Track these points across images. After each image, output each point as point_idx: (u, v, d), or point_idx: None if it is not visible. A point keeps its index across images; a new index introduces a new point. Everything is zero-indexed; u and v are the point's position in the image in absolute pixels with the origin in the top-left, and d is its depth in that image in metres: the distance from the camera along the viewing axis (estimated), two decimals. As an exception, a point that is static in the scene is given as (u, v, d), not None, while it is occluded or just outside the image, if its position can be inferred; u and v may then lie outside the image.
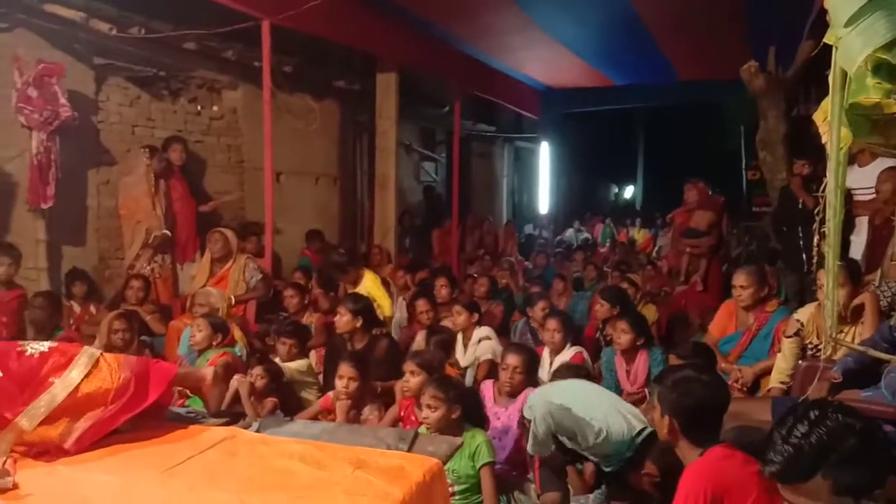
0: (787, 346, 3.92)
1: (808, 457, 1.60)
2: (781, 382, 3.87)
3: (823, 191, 2.46)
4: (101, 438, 2.26)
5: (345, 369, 3.87)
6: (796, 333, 3.88)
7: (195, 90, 7.23)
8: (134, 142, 6.50)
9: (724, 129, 14.58)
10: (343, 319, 4.64)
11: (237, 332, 4.91)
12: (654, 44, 9.21)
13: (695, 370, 2.37)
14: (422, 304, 5.61)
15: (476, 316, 5.17)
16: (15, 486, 2.00)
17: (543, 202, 16.31)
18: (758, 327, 4.43)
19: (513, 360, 3.82)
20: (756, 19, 7.75)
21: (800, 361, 3.74)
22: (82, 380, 2.25)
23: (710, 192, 7.85)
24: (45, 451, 2.17)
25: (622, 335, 4.50)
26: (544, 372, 4.64)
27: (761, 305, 4.46)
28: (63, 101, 5.49)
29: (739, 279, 4.49)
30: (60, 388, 2.22)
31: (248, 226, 7.29)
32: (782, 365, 3.91)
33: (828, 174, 2.38)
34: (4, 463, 2.11)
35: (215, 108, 7.45)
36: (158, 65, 6.63)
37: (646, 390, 4.40)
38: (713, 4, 7.38)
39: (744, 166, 12.82)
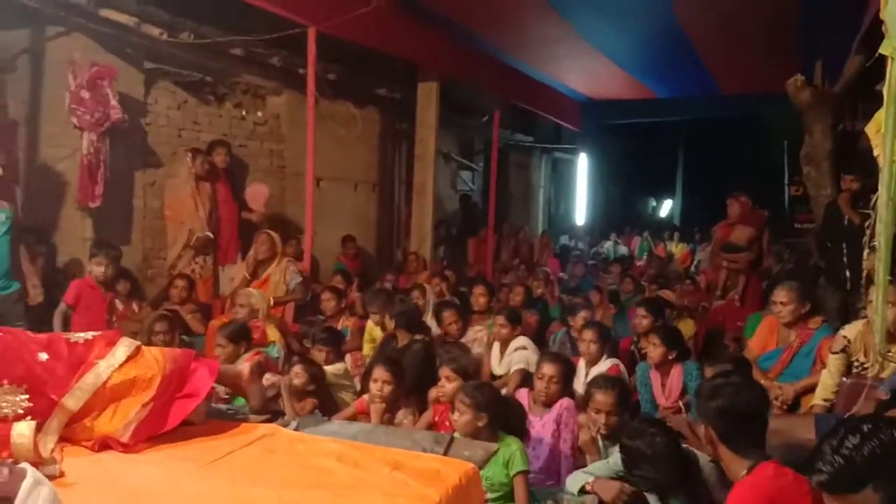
0: (833, 362, 3.83)
1: (859, 469, 1.58)
2: (825, 399, 3.79)
3: (874, 205, 2.42)
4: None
5: (379, 373, 3.89)
6: (843, 350, 3.79)
7: (240, 95, 7.37)
8: (180, 145, 6.64)
9: (767, 144, 14.35)
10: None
11: (275, 333, 4.98)
12: (697, 56, 9.14)
13: (726, 377, 2.35)
14: (449, 316, 5.57)
15: (518, 328, 5.16)
16: (61, 474, 2.05)
17: (580, 213, 16.22)
18: (800, 344, 4.35)
19: (549, 369, 3.79)
20: (805, 33, 7.63)
21: (844, 379, 3.65)
22: (126, 360, 2.30)
23: (753, 207, 7.73)
24: (106, 446, 2.24)
25: (654, 349, 4.45)
26: (580, 383, 4.62)
27: (804, 322, 4.38)
28: (114, 103, 5.64)
29: (780, 295, 4.42)
30: (105, 366, 2.27)
31: (287, 229, 7.39)
32: (827, 382, 3.83)
33: (880, 187, 2.34)
34: (53, 451, 2.17)
35: (259, 113, 7.58)
36: (206, 70, 6.77)
37: (680, 404, 4.35)
38: (761, 18, 7.29)
39: (787, 182, 12.59)
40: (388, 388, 3.84)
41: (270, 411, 2.87)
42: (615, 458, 3.08)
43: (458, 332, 5.42)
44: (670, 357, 4.43)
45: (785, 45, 8.18)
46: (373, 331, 5.61)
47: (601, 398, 3.45)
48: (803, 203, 9.38)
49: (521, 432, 3.41)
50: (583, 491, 3.06)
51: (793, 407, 4.14)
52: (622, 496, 2.96)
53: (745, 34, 7.95)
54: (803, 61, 7.64)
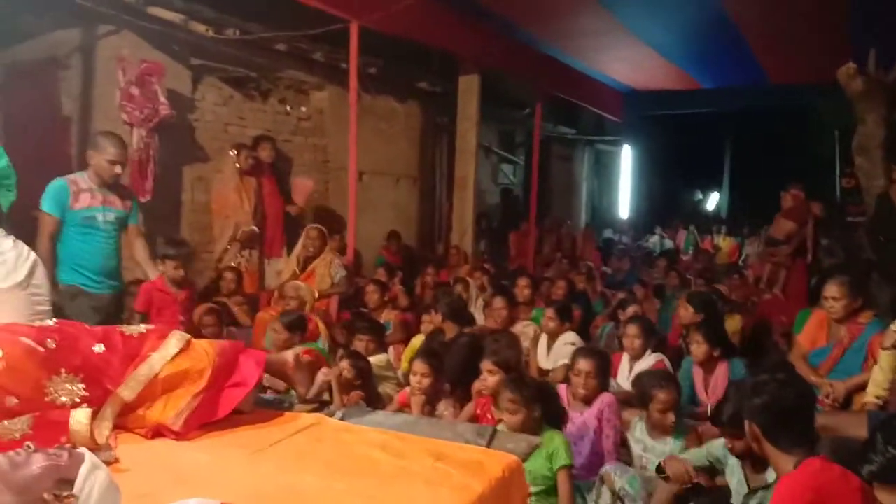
0: (885, 358, 3.72)
1: None
2: (877, 397, 3.69)
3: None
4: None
5: (418, 366, 3.94)
6: (895, 346, 3.68)
7: (284, 91, 7.47)
8: (227, 140, 6.76)
9: (818, 135, 13.96)
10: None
11: (320, 325, 5.04)
12: (745, 45, 8.94)
13: (770, 373, 2.31)
14: (498, 302, 5.56)
15: (567, 324, 5.13)
16: (116, 460, 2.12)
17: (623, 206, 16.02)
18: (850, 340, 4.23)
19: (584, 364, 3.76)
20: (857, 20, 7.41)
21: (896, 375, 3.55)
22: (178, 353, 2.38)
23: (803, 199, 7.57)
24: (159, 433, 2.31)
25: (696, 346, 4.39)
26: (623, 378, 4.58)
27: (854, 317, 4.26)
28: (162, 99, 5.77)
29: (831, 290, 4.30)
30: (157, 358, 2.35)
31: (331, 223, 7.47)
32: (879, 378, 3.72)
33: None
34: (108, 437, 2.24)
35: (303, 108, 7.68)
36: (251, 65, 6.88)
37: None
38: (812, 5, 7.10)
39: (838, 173, 12.27)
40: (426, 381, 3.88)
41: (317, 401, 2.92)
42: (711, 446, 3.15)
43: (506, 321, 5.42)
44: (714, 355, 4.37)
45: (837, 32, 7.95)
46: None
47: (664, 397, 3.49)
48: (855, 195, 9.13)
49: (559, 421, 3.41)
50: (660, 469, 3.14)
51: (844, 405, 4.04)
52: (686, 475, 3.04)
53: (795, 22, 7.75)
54: (856, 49, 7.41)
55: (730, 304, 6.38)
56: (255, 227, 6.60)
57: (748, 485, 2.87)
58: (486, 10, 7.69)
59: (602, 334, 5.84)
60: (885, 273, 5.83)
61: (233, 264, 6.45)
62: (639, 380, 3.96)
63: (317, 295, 5.50)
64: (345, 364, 4.17)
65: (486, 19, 7.94)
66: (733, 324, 5.84)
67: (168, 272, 4.76)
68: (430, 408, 3.92)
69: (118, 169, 4.27)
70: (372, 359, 4.63)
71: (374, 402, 4.21)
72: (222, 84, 6.80)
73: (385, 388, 4.62)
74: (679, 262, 10.34)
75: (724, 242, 13.95)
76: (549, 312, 5.15)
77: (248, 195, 6.59)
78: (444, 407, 3.97)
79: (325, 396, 3.53)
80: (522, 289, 6.02)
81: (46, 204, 4.16)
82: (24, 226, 4.50)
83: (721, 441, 3.04)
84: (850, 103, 7.06)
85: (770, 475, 2.73)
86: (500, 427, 3.10)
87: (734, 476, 2.95)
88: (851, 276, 4.76)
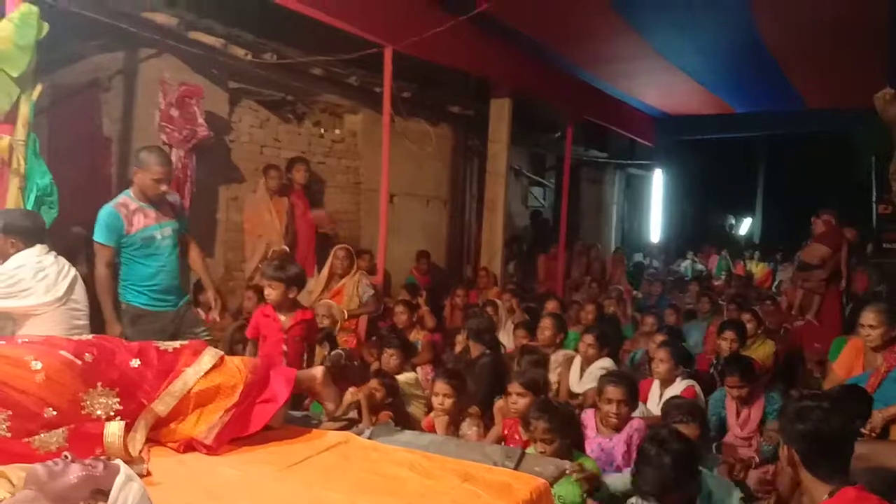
0: (923, 388, 3.65)
1: None
2: (915, 427, 3.60)
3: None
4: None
5: (440, 386, 3.96)
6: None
7: (319, 114, 7.59)
8: (262, 161, 6.86)
9: (854, 161, 13.74)
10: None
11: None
12: (778, 70, 8.88)
13: (815, 399, 2.27)
14: (520, 334, 5.69)
15: (605, 350, 5.07)
16: (148, 473, 2.16)
17: (654, 231, 15.89)
18: (888, 369, 4.13)
19: (615, 393, 3.66)
20: (894, 44, 7.33)
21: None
22: (211, 369, 2.42)
23: (837, 225, 7.46)
24: (191, 447, 2.36)
25: (734, 390, 4.34)
26: (654, 404, 4.52)
27: (892, 345, 4.17)
28: (201, 121, 5.90)
29: (868, 318, 4.22)
30: (192, 373, 2.40)
31: (362, 244, 7.54)
32: (917, 408, 3.64)
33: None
34: (141, 451, 2.29)
35: (337, 131, 7.79)
36: (287, 89, 7.01)
37: (758, 436, 4.22)
38: (848, 30, 7.04)
39: (874, 200, 12.04)
40: (449, 402, 3.90)
41: (346, 419, 2.94)
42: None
43: (553, 342, 5.39)
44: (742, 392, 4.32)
45: (874, 57, 7.87)
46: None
47: (686, 431, 3.38)
48: (893, 221, 8.96)
49: (581, 450, 3.40)
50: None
51: (881, 434, 3.94)
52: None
53: (831, 48, 7.69)
54: (893, 74, 7.33)
55: (763, 330, 6.27)
56: (285, 247, 6.67)
57: None
58: (519, 35, 7.75)
59: (633, 360, 5.78)
60: (923, 301, 5.71)
61: (262, 283, 6.49)
62: (665, 408, 3.91)
63: (346, 315, 5.53)
64: (374, 383, 4.18)
65: (518, 43, 8.00)
66: (766, 349, 5.74)
67: (270, 295, 4.14)
68: (454, 428, 3.92)
69: (164, 187, 4.18)
70: (400, 377, 4.64)
71: (403, 421, 4.22)
72: (259, 107, 6.93)
73: (414, 409, 4.63)
74: (711, 287, 10.22)
75: (757, 268, 13.75)
76: (589, 338, 5.08)
77: (280, 215, 6.67)
78: (467, 427, 3.98)
79: (354, 414, 3.54)
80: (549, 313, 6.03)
81: (100, 234, 4.07)
82: (65, 242, 4.65)
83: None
84: (887, 129, 6.96)
85: None
86: (529, 449, 3.09)
87: None
88: (889, 303, 4.67)
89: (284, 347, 4.05)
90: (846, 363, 4.42)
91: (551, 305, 6.18)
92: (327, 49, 6.58)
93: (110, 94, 6.13)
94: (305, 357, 4.22)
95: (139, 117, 6.02)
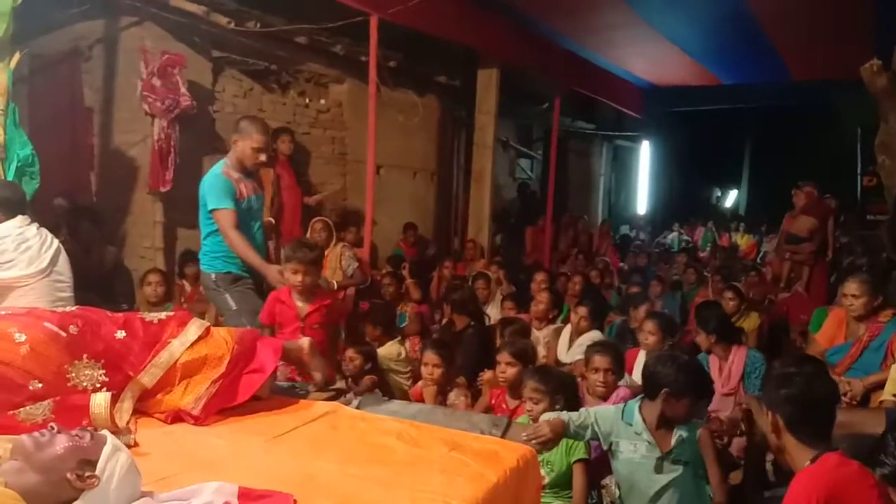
0: (905, 357, 3.70)
1: None
2: (894, 395, 3.66)
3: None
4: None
5: (429, 356, 4.03)
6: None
7: (304, 84, 7.49)
8: (246, 132, 6.78)
9: (840, 133, 13.82)
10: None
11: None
12: (767, 42, 8.85)
13: (797, 365, 2.30)
14: (508, 306, 5.77)
15: (596, 324, 5.09)
16: (136, 444, 2.16)
17: (641, 203, 15.94)
18: (870, 338, 4.18)
19: (602, 362, 3.68)
20: (882, 16, 7.32)
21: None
22: (197, 340, 2.41)
23: (819, 197, 7.50)
24: (178, 418, 2.36)
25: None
26: (639, 374, 4.56)
27: (874, 315, 4.23)
28: (183, 90, 5.81)
29: (851, 288, 4.26)
30: (177, 345, 2.40)
31: (347, 216, 7.49)
32: (897, 376, 3.69)
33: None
34: (128, 422, 2.28)
35: (322, 101, 7.70)
36: (271, 58, 6.91)
37: (741, 388, 4.28)
38: (836, 1, 7.02)
39: (859, 172, 12.13)
40: (438, 371, 3.97)
41: (333, 389, 2.95)
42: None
43: (546, 317, 5.41)
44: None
45: (860, 29, 7.85)
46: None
47: None
48: (877, 194, 9.02)
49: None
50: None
51: (862, 403, 4.01)
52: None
53: (819, 18, 7.66)
54: (880, 46, 7.32)
55: (748, 302, 6.33)
56: (271, 219, 6.62)
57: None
58: (506, 4, 7.67)
59: (611, 331, 5.81)
60: (906, 271, 5.77)
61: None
62: (646, 367, 3.94)
63: (335, 286, 5.52)
64: (350, 353, 4.21)
65: (506, 13, 7.93)
66: (751, 322, 5.80)
67: (289, 279, 3.71)
68: (441, 398, 3.97)
69: (263, 157, 4.03)
70: (382, 350, 4.66)
71: (386, 392, 4.25)
72: (242, 76, 6.83)
73: (399, 381, 4.65)
74: (697, 259, 10.29)
75: (743, 240, 13.86)
76: (582, 311, 5.07)
77: (266, 186, 6.61)
78: (454, 396, 4.03)
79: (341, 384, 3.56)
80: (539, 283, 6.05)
81: (220, 201, 3.87)
82: (46, 214, 4.59)
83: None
84: (873, 101, 6.97)
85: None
86: (521, 418, 3.12)
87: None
88: (872, 273, 4.72)
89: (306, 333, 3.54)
90: (828, 333, 4.46)
91: (540, 277, 6.19)
92: (312, 17, 6.49)
93: (91, 64, 6.04)
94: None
95: (121, 87, 5.94)
